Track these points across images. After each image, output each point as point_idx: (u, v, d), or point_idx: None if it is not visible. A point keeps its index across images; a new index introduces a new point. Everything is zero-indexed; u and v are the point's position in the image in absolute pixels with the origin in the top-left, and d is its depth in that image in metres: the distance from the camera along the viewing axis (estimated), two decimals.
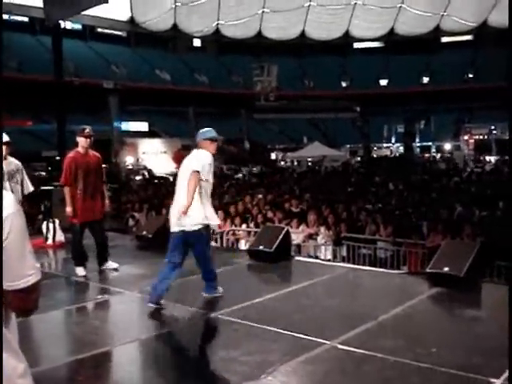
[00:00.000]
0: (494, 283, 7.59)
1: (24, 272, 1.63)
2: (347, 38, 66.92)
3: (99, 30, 58.36)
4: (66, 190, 7.61)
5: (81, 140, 7.66)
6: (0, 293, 1.58)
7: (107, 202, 8.04)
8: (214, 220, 6.32)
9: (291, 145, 52.40)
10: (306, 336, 5.13)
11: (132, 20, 58.35)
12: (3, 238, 1.56)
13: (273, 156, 51.61)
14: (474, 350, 4.78)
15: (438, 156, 50.13)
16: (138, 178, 32.30)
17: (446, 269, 6.71)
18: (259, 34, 65.46)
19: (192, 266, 8.49)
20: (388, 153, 55.68)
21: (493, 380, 4.12)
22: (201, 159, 6.07)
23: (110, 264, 7.96)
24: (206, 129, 6.39)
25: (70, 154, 7.74)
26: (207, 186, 6.11)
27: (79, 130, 7.74)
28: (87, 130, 7.67)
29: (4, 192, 1.62)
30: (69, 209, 7.57)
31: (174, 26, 61.16)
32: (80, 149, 7.67)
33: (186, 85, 54.14)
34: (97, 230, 7.88)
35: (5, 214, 1.56)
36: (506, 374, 4.20)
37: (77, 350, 5.10)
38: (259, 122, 56.95)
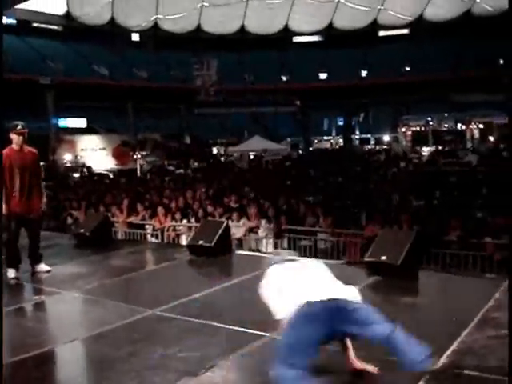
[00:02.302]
0: (431, 270, 7.77)
1: None
2: (287, 32, 67.21)
3: (34, 24, 56.82)
4: None
5: (14, 137, 7.42)
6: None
7: (44, 199, 7.82)
8: None
9: (232, 139, 52.38)
10: (245, 329, 5.13)
11: (68, 14, 56.97)
12: None
13: (214, 150, 51.59)
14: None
15: (377, 148, 51.04)
16: (76, 175, 31.72)
17: (384, 257, 6.82)
18: (198, 28, 65.07)
19: (131, 263, 8.44)
20: (328, 145, 56.38)
21: None
22: None
23: (43, 267, 7.76)
24: None
25: (4, 151, 7.50)
26: None
27: (12, 126, 7.49)
28: (19, 127, 7.43)
29: None
30: (4, 205, 7.35)
31: (112, 20, 60.13)
32: (14, 145, 7.44)
33: (124, 80, 53.29)
34: (32, 229, 7.65)
35: None
36: (444, 358, 4.31)
37: (14, 351, 4.94)
38: (200, 117, 56.64)
